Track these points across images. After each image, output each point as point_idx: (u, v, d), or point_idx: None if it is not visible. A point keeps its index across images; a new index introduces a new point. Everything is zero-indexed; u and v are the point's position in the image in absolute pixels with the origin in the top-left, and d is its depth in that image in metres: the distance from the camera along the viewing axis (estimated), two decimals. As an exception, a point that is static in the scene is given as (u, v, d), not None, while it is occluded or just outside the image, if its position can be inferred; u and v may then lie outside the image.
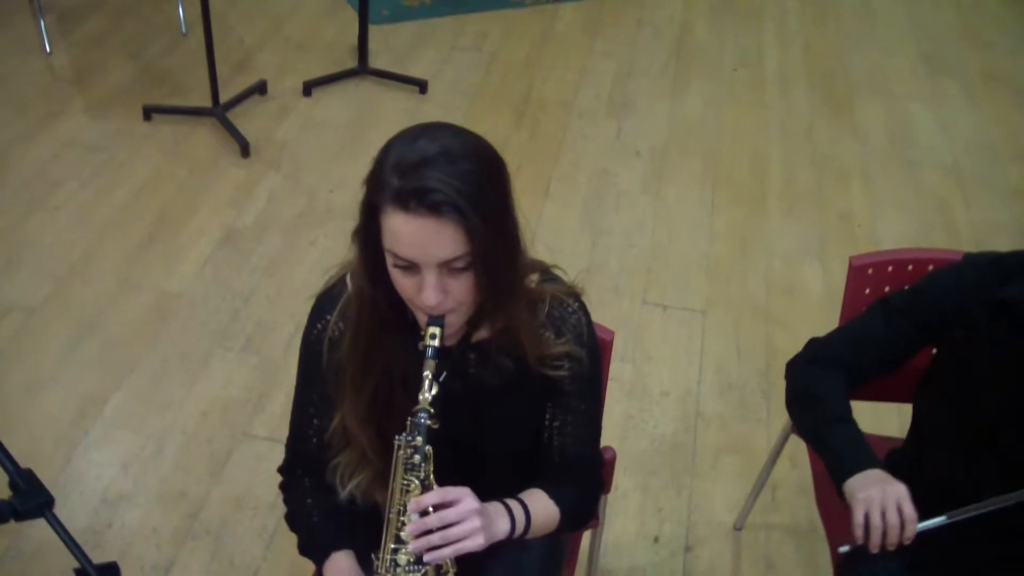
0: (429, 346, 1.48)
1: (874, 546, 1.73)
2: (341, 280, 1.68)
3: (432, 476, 1.55)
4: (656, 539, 2.86)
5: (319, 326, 1.70)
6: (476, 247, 1.40)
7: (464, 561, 1.60)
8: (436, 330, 1.48)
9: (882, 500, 1.73)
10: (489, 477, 1.58)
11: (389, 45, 5.16)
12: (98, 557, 1.69)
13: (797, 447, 2.82)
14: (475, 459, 1.67)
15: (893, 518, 1.71)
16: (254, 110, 4.57)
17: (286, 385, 3.19)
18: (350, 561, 1.74)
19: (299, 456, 1.83)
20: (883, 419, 3.03)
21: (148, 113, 4.43)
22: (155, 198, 4.00)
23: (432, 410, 1.49)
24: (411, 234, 1.38)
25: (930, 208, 4.27)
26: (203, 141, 4.34)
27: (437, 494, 1.49)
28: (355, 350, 1.61)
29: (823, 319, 3.46)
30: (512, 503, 1.63)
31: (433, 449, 1.53)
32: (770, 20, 5.72)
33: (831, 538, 2.22)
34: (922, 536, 1.76)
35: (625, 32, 5.48)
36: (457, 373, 1.64)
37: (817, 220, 4.15)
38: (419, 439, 1.50)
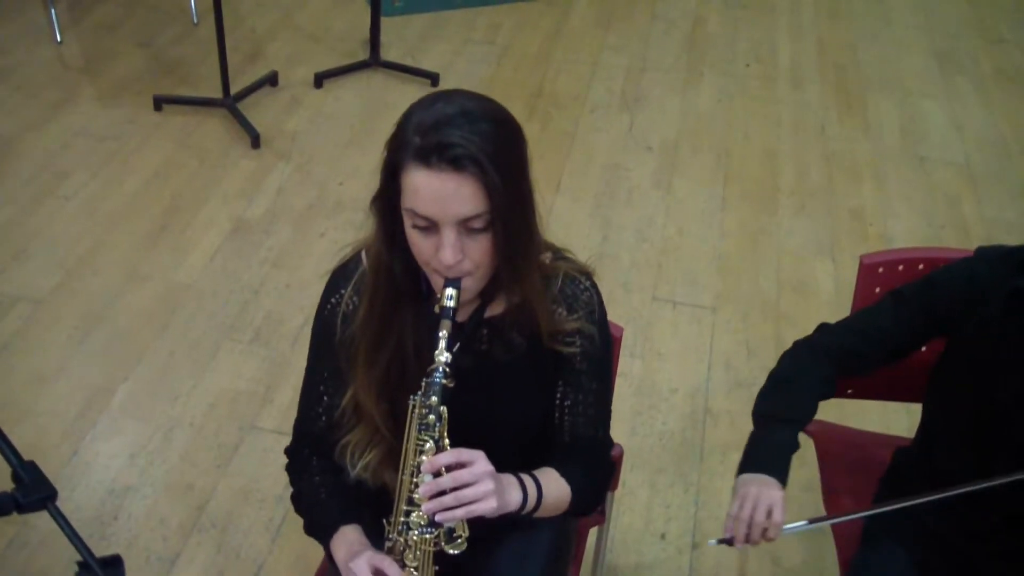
0: (445, 306, 1.48)
1: (738, 539, 1.83)
2: (356, 256, 1.70)
3: (446, 438, 1.54)
4: (663, 536, 2.85)
5: (333, 300, 1.71)
6: (494, 205, 1.42)
7: (471, 548, 1.59)
8: (453, 291, 1.49)
9: (755, 499, 1.81)
10: (498, 456, 1.57)
11: (401, 37, 5.15)
12: (104, 548, 1.70)
13: (805, 446, 2.79)
14: (485, 437, 1.65)
15: (760, 517, 1.80)
16: (265, 101, 4.57)
17: (294, 378, 3.19)
18: (357, 534, 1.72)
19: (307, 437, 1.82)
20: (892, 418, 3.03)
21: (158, 103, 4.42)
22: (165, 189, 4.00)
23: (448, 369, 1.49)
24: (432, 190, 1.40)
25: (942, 205, 4.25)
26: (213, 132, 4.34)
27: (451, 455, 1.49)
28: (369, 321, 1.61)
29: (833, 317, 3.38)
30: (524, 477, 1.63)
31: (444, 425, 1.53)
32: (783, 15, 5.70)
33: (837, 536, 2.21)
34: (924, 533, 1.76)
35: (638, 26, 5.46)
36: (469, 350, 1.64)
37: (828, 216, 4.13)
38: (434, 399, 1.49)
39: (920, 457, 2.03)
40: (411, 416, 1.55)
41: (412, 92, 4.67)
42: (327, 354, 1.72)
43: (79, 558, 1.31)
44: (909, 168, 4.47)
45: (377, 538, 1.67)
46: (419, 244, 1.47)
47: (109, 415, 3.07)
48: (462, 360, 1.58)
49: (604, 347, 1.73)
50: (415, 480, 1.54)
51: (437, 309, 1.50)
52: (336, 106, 4.60)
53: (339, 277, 1.72)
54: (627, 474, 3.00)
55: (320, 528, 1.76)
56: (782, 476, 1.87)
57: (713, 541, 1.88)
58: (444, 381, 1.49)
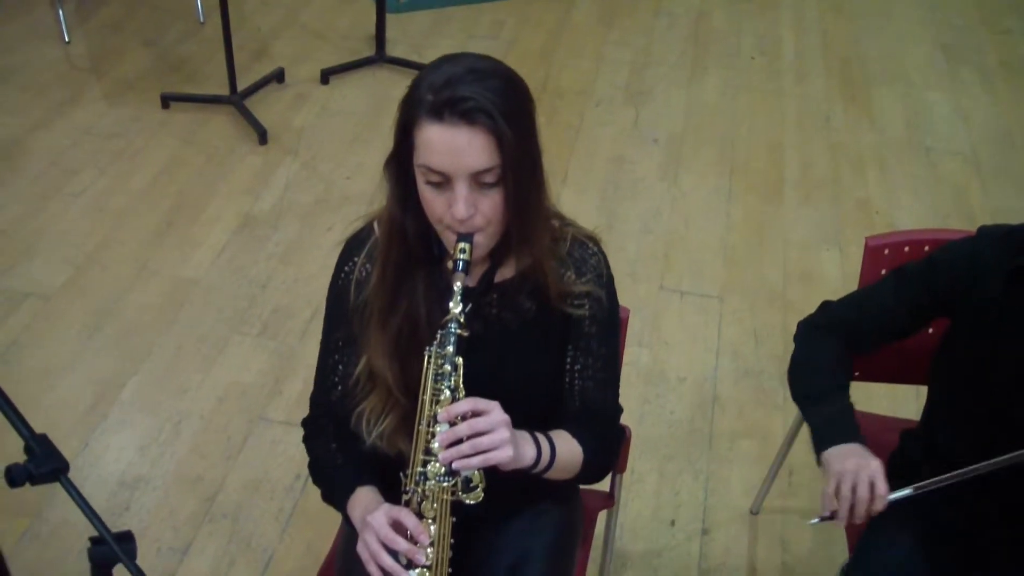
0: (458, 259, 1.50)
1: (841, 518, 1.76)
2: (368, 226, 1.74)
3: (462, 389, 1.55)
4: (672, 523, 2.86)
5: (347, 268, 1.74)
6: (506, 159, 1.45)
7: (484, 509, 1.59)
8: (466, 245, 1.51)
9: (855, 474, 1.74)
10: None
11: (406, 33, 5.16)
12: (116, 535, 1.69)
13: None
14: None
15: (864, 492, 1.72)
16: (271, 98, 4.58)
17: (303, 370, 3.20)
18: (374, 494, 1.72)
19: (323, 407, 1.83)
20: (901, 402, 3.03)
21: (165, 101, 4.44)
22: (172, 185, 4.02)
23: (463, 320, 1.51)
24: (445, 143, 1.43)
25: (947, 196, 4.25)
26: (220, 129, 4.35)
27: (467, 403, 1.50)
28: (383, 283, 1.64)
29: (840, 305, 3.44)
30: (538, 434, 1.64)
31: (459, 376, 1.55)
32: (787, 7, 5.69)
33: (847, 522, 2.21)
34: (929, 516, 1.76)
35: (641, 20, 5.47)
36: (479, 315, 1.66)
37: (834, 208, 4.13)
38: (449, 348, 1.51)
39: (925, 439, 2.03)
40: (427, 367, 1.56)
41: (417, 87, 4.68)
42: (341, 323, 1.74)
43: (89, 544, 1.32)
44: (914, 159, 4.47)
45: (394, 503, 1.66)
46: (432, 201, 1.50)
47: (119, 408, 3.09)
48: (473, 325, 1.59)
49: (612, 311, 1.75)
50: (431, 430, 1.54)
51: (450, 264, 1.52)
52: (342, 102, 4.61)
53: (352, 245, 1.75)
54: (636, 461, 3.00)
55: (337, 491, 1.76)
56: (862, 438, 1.83)
57: (815, 519, 1.83)
58: (459, 331, 1.51)
